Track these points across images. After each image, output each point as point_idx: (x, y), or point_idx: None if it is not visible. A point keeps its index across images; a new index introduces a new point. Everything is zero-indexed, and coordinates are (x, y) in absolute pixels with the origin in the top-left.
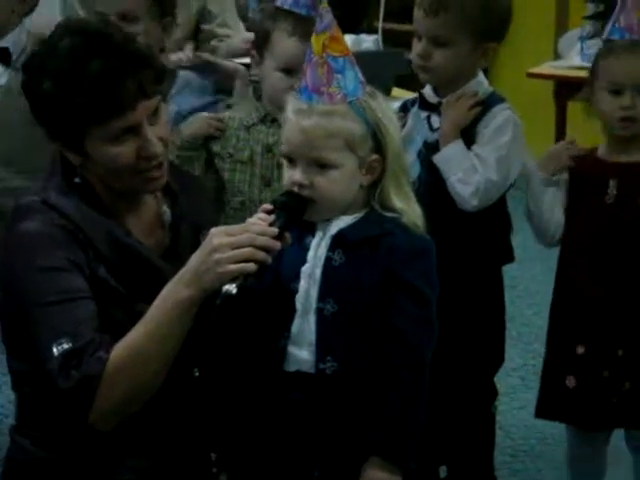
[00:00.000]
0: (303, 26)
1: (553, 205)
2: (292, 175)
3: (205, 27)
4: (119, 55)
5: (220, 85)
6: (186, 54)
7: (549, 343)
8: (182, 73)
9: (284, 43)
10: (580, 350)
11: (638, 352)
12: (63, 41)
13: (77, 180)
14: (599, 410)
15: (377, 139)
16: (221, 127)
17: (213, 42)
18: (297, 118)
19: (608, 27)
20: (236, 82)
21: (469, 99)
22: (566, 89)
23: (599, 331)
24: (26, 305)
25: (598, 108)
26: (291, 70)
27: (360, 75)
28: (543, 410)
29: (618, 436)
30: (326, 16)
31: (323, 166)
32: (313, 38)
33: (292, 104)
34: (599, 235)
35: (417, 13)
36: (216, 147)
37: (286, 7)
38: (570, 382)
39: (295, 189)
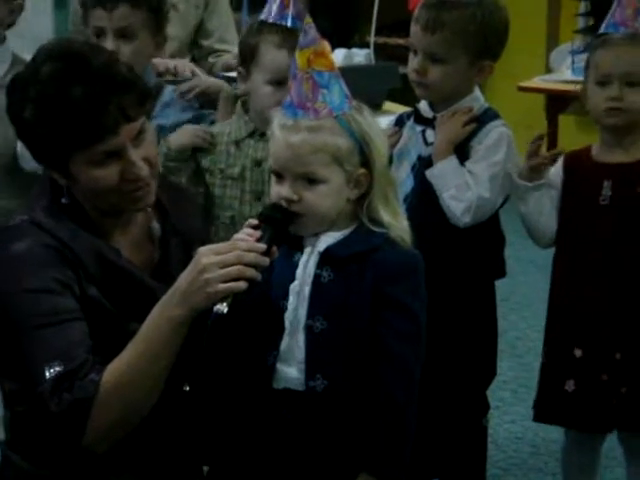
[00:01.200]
0: (291, 38)
1: (540, 207)
2: (280, 190)
3: (204, 43)
4: (100, 80)
5: (204, 101)
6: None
7: (547, 347)
8: (169, 88)
9: (272, 55)
10: (578, 353)
11: (635, 355)
12: (44, 66)
13: (64, 200)
14: (598, 413)
15: (364, 153)
16: (210, 140)
17: (210, 58)
18: (284, 134)
19: (604, 22)
20: (220, 100)
21: (463, 115)
22: (557, 103)
23: (596, 334)
24: (17, 327)
25: (587, 103)
26: (280, 82)
27: (346, 89)
28: (542, 414)
29: (613, 438)
30: (310, 31)
31: (311, 181)
32: (297, 53)
33: (278, 120)
34: (594, 236)
35: (414, 28)
36: (206, 162)
37: (271, 20)
38: (569, 386)
39: (283, 204)
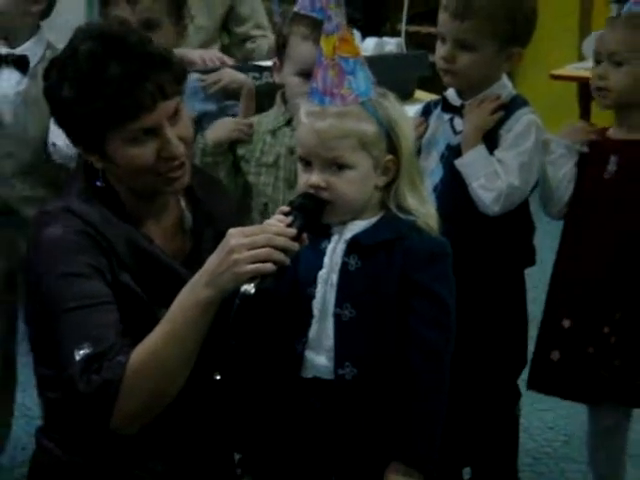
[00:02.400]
0: (319, 30)
1: (570, 174)
2: (308, 178)
3: (238, 30)
4: (137, 57)
5: (228, 92)
6: (207, 54)
7: (542, 317)
8: (193, 76)
9: (300, 47)
10: (566, 324)
11: (626, 331)
12: (82, 46)
13: (99, 184)
14: (584, 383)
15: (391, 139)
16: (249, 132)
17: (248, 44)
18: (310, 121)
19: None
20: (241, 97)
21: (491, 103)
22: (590, 90)
23: (587, 306)
24: (49, 311)
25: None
26: (308, 74)
27: (371, 76)
28: (533, 383)
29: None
30: (335, 18)
31: (339, 167)
32: (323, 40)
33: (304, 107)
34: (596, 210)
35: (442, 16)
36: (242, 150)
37: (303, 12)
38: (554, 355)
39: (312, 191)
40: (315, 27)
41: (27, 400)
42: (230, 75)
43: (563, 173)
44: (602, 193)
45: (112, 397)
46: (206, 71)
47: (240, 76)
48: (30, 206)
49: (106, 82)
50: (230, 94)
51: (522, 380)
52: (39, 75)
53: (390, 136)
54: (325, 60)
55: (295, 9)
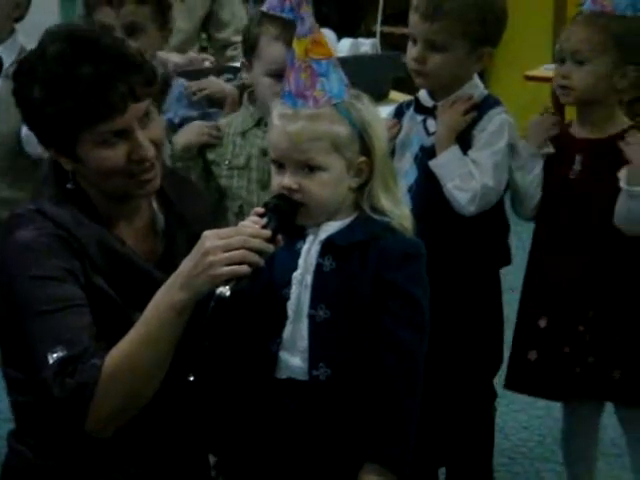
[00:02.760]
0: (289, 31)
1: (538, 177)
2: (281, 180)
3: (219, 35)
4: (108, 59)
5: (213, 100)
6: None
7: (517, 317)
8: (178, 82)
9: (270, 48)
10: (542, 323)
11: (599, 328)
12: (51, 47)
13: (69, 186)
14: (561, 382)
15: (364, 141)
16: (218, 135)
17: (229, 51)
18: (283, 123)
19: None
20: (225, 105)
21: (464, 103)
22: None
23: (562, 305)
24: (21, 314)
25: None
26: (279, 75)
27: (344, 77)
28: (510, 383)
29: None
30: (307, 20)
31: (311, 169)
32: (295, 43)
33: (277, 110)
34: (562, 210)
35: (413, 17)
36: (211, 155)
37: (272, 12)
38: (532, 355)
39: (285, 193)
40: (285, 27)
41: (1, 403)
42: (215, 84)
43: (532, 177)
44: (569, 193)
45: (87, 400)
46: (191, 74)
47: (225, 85)
48: (6, 208)
49: (76, 83)
50: (214, 102)
51: (498, 379)
52: (10, 78)
53: (363, 138)
54: (297, 62)
55: (264, 9)
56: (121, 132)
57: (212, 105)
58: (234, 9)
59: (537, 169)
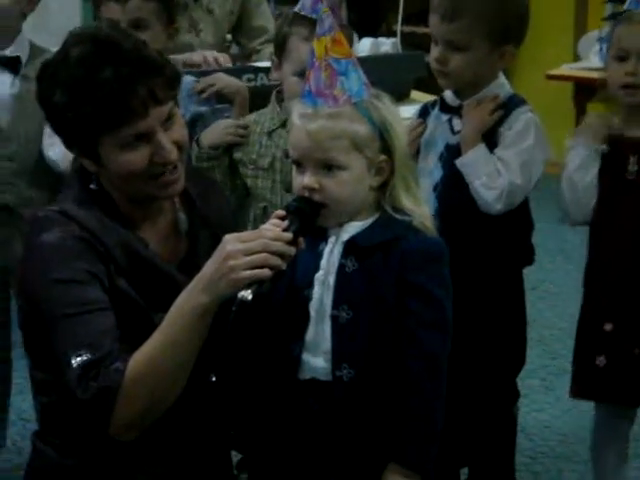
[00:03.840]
0: None
1: (596, 181)
2: (301, 180)
3: (249, 44)
4: (129, 62)
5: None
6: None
7: (579, 322)
8: (189, 78)
9: (300, 48)
10: (608, 327)
11: None
12: (74, 50)
13: (92, 186)
14: (630, 386)
15: (384, 140)
16: (244, 134)
17: (254, 56)
18: (303, 122)
19: None
20: (234, 102)
21: (490, 103)
22: (586, 91)
23: (627, 308)
24: (46, 317)
25: (607, 78)
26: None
27: (364, 76)
28: (577, 390)
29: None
30: (327, 20)
31: (331, 168)
32: (315, 42)
33: (297, 109)
34: (623, 212)
35: (432, 18)
36: (238, 154)
37: (303, 13)
38: (600, 361)
39: (305, 193)
40: (314, 28)
41: (23, 403)
42: (224, 80)
43: (590, 178)
44: (626, 194)
45: (110, 404)
46: (202, 72)
47: (234, 81)
48: (28, 207)
49: (97, 86)
50: (224, 98)
51: (519, 379)
52: (30, 76)
53: (383, 137)
54: (317, 61)
55: (295, 9)
56: (143, 135)
57: (221, 101)
58: (265, 20)
59: (595, 169)
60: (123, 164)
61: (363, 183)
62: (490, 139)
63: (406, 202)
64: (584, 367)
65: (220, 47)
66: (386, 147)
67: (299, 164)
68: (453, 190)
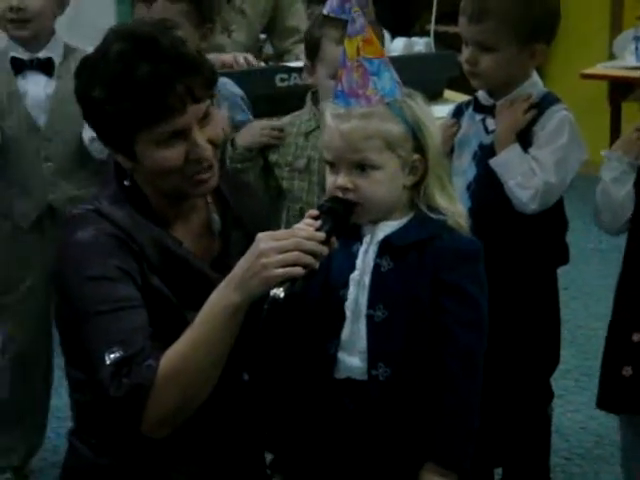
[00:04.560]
0: None
1: (632, 195)
2: (335, 180)
3: (280, 45)
4: (168, 59)
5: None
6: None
7: (608, 332)
8: (222, 80)
9: (333, 51)
10: (636, 338)
11: None
12: (113, 46)
13: (127, 183)
14: None
15: (418, 139)
16: (280, 136)
17: (285, 56)
18: (335, 123)
19: None
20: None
21: (523, 103)
22: (621, 90)
23: None
24: (79, 314)
25: None
26: None
27: (396, 76)
28: (603, 401)
29: None
30: (358, 19)
31: (365, 168)
32: (346, 42)
33: (329, 110)
34: None
35: (461, 19)
36: (274, 156)
37: (333, 15)
38: (627, 371)
39: (339, 194)
40: (346, 30)
41: (58, 402)
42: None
43: (627, 191)
44: None
45: (142, 401)
46: (238, 73)
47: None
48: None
49: (136, 83)
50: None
51: (553, 379)
52: (65, 76)
53: (417, 136)
54: (349, 62)
55: (324, 12)
56: (179, 132)
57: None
58: (298, 20)
59: (631, 183)
60: (159, 160)
61: (397, 182)
62: (524, 138)
63: (440, 201)
64: (610, 377)
65: (252, 48)
66: (419, 146)
67: (332, 164)
68: (487, 189)
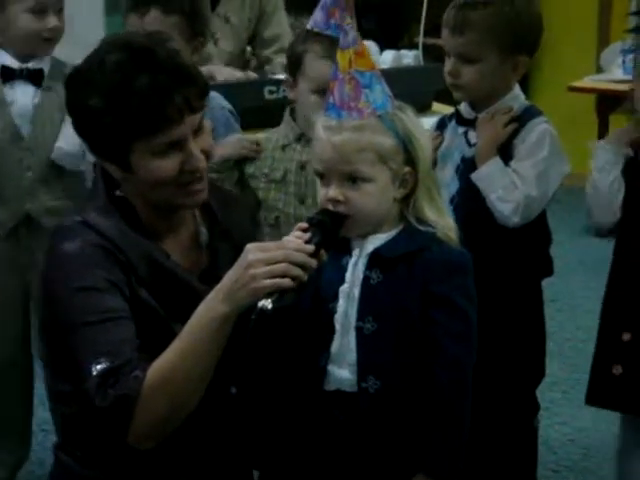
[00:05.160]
0: (335, 48)
1: (619, 183)
2: (326, 192)
3: (262, 53)
4: (165, 70)
5: None
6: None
7: (599, 331)
8: (224, 104)
9: (317, 66)
10: (626, 337)
11: None
12: (109, 56)
13: (118, 193)
14: None
15: (408, 152)
16: (258, 150)
17: (266, 67)
18: (327, 135)
19: None
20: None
21: (503, 116)
22: (608, 102)
23: None
24: (66, 325)
25: (634, 94)
26: (326, 91)
27: (387, 89)
28: (592, 398)
29: None
30: (350, 32)
31: (356, 181)
32: (338, 55)
33: (321, 122)
34: None
35: (444, 31)
36: (250, 169)
37: (317, 30)
38: (617, 370)
39: (330, 206)
40: (331, 45)
41: (44, 414)
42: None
43: (612, 179)
44: None
45: (128, 412)
46: (228, 86)
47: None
48: (53, 217)
49: (135, 94)
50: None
51: (540, 392)
52: (52, 88)
53: (408, 149)
54: (341, 74)
55: (308, 27)
56: (176, 143)
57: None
58: (279, 29)
59: (616, 171)
60: (154, 171)
61: (387, 195)
62: (505, 152)
63: (429, 214)
64: (601, 375)
65: (239, 57)
66: (410, 159)
67: (323, 176)
68: (469, 202)
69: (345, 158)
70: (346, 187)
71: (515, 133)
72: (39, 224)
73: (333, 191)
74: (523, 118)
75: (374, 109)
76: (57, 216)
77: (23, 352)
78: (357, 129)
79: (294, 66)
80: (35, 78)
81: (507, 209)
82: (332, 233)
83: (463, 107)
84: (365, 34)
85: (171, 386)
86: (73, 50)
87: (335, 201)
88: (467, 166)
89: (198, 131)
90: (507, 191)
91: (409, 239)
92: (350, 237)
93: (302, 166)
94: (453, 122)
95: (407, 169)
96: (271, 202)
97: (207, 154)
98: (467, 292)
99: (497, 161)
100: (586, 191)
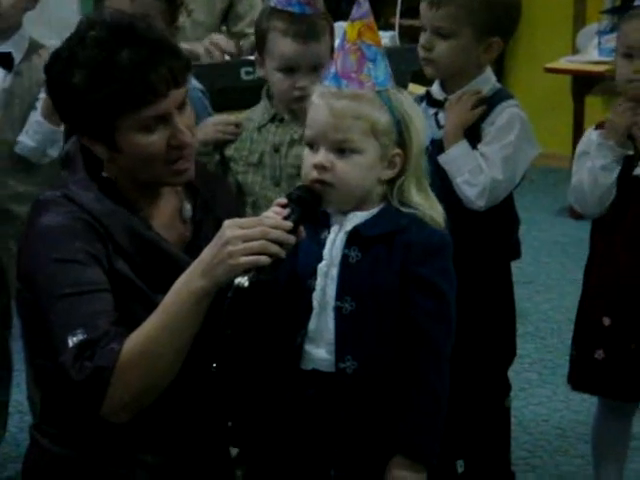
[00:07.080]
0: (296, 25)
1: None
2: (313, 158)
3: (234, 28)
4: (147, 44)
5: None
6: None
7: (578, 315)
8: (197, 86)
9: (279, 43)
10: (606, 322)
11: None
12: (89, 33)
13: (104, 174)
14: (628, 381)
15: (401, 133)
16: (234, 132)
17: (241, 41)
18: (325, 100)
19: None
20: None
21: (471, 98)
22: (584, 84)
23: (626, 303)
24: (43, 297)
25: (616, 76)
26: (290, 69)
27: (389, 69)
28: (575, 382)
29: None
30: (364, 5)
31: (345, 151)
32: (348, 25)
33: (318, 90)
34: (627, 208)
35: (422, 5)
36: (229, 151)
37: (280, 7)
38: (599, 354)
39: (315, 173)
40: (292, 22)
41: (20, 396)
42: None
43: (613, 179)
44: (633, 191)
45: (104, 384)
46: (206, 67)
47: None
48: (22, 203)
49: (119, 68)
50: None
51: (516, 373)
52: (24, 73)
53: (401, 130)
54: (347, 44)
55: (271, 4)
56: (162, 117)
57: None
58: (252, 2)
59: (619, 169)
60: (142, 147)
61: (373, 172)
62: (474, 134)
63: (417, 198)
64: (584, 360)
65: (213, 27)
66: (402, 141)
67: (312, 145)
68: (438, 185)
69: (340, 124)
70: (334, 155)
71: (484, 116)
72: (8, 211)
73: (321, 157)
74: (492, 101)
75: (374, 83)
76: (29, 202)
77: (2, 338)
78: (356, 98)
79: (260, 43)
80: (5, 62)
81: (473, 193)
82: (311, 209)
83: (434, 88)
84: (342, 15)
85: (147, 359)
86: (47, 30)
87: (321, 167)
88: (436, 148)
89: (182, 107)
90: (473, 175)
91: (389, 219)
92: (330, 212)
93: (276, 148)
94: (424, 103)
95: (397, 150)
96: (250, 186)
97: (192, 131)
98: (446, 273)
99: (464, 144)
100: (580, 182)
